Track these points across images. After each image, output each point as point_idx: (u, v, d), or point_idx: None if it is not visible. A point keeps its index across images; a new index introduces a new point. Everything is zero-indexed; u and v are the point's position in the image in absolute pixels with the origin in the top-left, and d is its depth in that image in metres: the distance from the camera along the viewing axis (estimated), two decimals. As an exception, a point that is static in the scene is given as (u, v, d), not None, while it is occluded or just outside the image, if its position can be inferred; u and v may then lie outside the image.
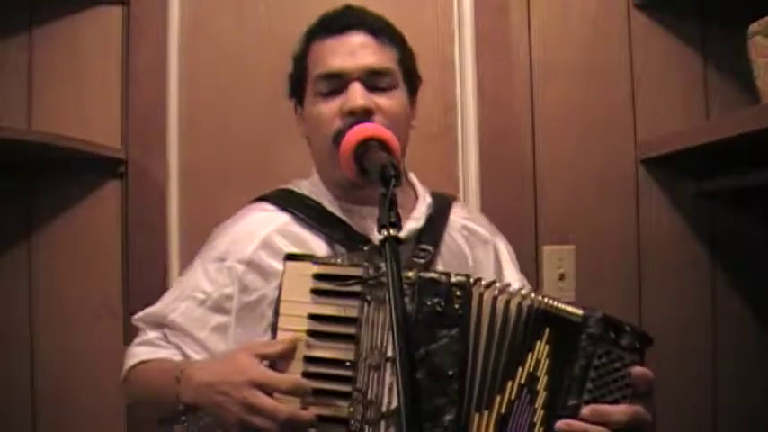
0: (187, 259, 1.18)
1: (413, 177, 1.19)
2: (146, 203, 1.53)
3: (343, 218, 1.07)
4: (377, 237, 0.95)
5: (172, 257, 1.54)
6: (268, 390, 0.86)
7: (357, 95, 1.01)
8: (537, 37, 1.62)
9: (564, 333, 0.88)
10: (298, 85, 1.11)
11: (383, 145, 0.94)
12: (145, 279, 1.49)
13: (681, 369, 1.58)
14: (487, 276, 1.12)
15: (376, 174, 0.86)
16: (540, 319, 0.88)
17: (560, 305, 0.89)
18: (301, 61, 1.10)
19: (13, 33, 1.52)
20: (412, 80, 1.11)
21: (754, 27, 1.31)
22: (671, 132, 1.57)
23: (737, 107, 1.59)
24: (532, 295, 0.90)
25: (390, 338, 0.85)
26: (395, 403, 0.84)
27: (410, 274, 0.88)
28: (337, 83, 1.03)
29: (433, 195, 1.16)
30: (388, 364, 0.86)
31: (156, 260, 1.52)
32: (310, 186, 1.13)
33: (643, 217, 1.62)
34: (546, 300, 0.89)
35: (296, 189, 1.14)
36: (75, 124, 1.50)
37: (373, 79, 1.03)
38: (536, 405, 0.86)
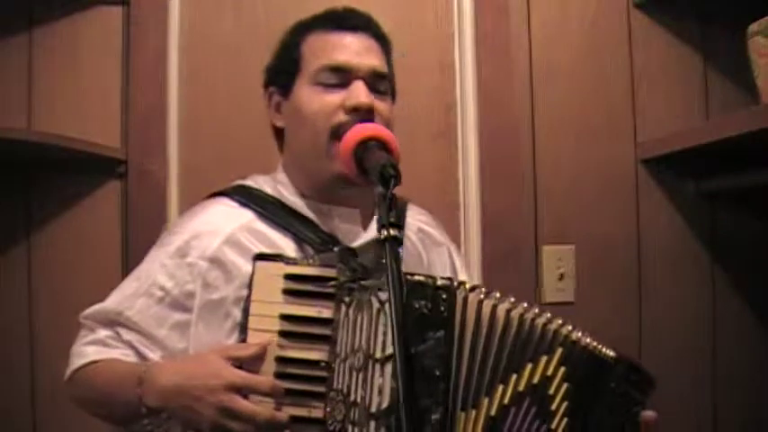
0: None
1: None
2: (146, 203, 1.53)
3: (310, 216, 1.04)
4: (344, 238, 1.01)
5: (172, 257, 1.54)
6: (246, 392, 0.85)
7: (362, 93, 1.00)
8: (537, 37, 1.62)
9: (591, 368, 0.90)
10: (284, 75, 1.08)
11: (383, 145, 0.93)
12: (145, 279, 1.49)
13: (681, 369, 1.58)
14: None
15: (375, 174, 0.85)
16: (547, 338, 0.88)
17: (590, 341, 0.91)
18: (293, 50, 1.07)
19: (12, 33, 1.52)
20: (393, 91, 1.12)
21: (754, 27, 1.31)
22: (671, 132, 1.57)
23: (737, 107, 1.59)
24: (524, 305, 0.90)
25: (378, 340, 0.85)
26: (385, 404, 0.84)
27: None
28: (342, 77, 1.02)
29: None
30: (377, 366, 0.85)
31: (156, 260, 1.52)
32: (272, 182, 1.10)
33: (643, 217, 1.62)
34: (577, 335, 0.90)
35: (254, 185, 1.10)
36: (75, 124, 1.50)
37: (375, 82, 1.03)
38: (553, 426, 0.86)
